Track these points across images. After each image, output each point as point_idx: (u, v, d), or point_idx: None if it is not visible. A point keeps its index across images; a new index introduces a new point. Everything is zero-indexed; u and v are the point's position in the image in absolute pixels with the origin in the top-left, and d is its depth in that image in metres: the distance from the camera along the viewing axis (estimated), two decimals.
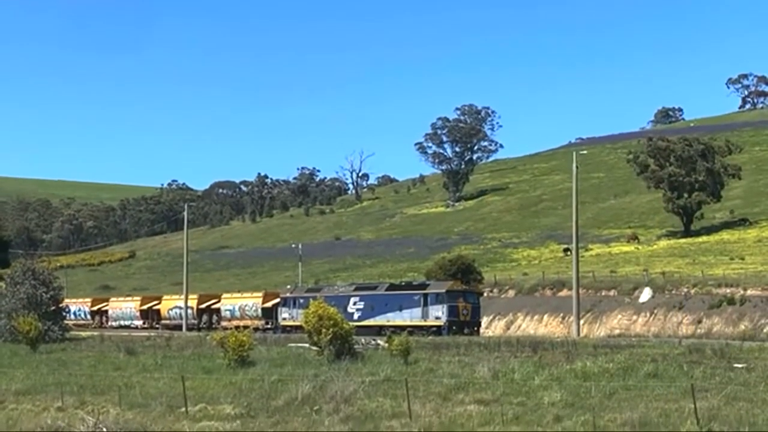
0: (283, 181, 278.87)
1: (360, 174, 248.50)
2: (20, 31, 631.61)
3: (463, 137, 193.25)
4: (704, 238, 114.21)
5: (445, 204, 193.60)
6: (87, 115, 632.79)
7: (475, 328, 67.65)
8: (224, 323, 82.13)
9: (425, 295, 67.87)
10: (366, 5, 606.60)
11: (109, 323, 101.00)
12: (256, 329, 71.03)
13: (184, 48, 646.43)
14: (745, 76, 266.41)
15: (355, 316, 68.11)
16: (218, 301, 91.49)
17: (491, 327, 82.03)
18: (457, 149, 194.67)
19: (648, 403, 28.84)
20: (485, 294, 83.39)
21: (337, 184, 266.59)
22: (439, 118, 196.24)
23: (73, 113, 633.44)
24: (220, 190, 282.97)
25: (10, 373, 43.33)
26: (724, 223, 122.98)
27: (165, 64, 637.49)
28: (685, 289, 76.95)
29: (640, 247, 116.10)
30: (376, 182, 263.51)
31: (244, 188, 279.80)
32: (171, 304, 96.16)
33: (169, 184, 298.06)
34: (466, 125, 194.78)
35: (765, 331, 64.42)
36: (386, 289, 72.81)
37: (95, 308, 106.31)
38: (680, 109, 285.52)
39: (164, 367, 44.10)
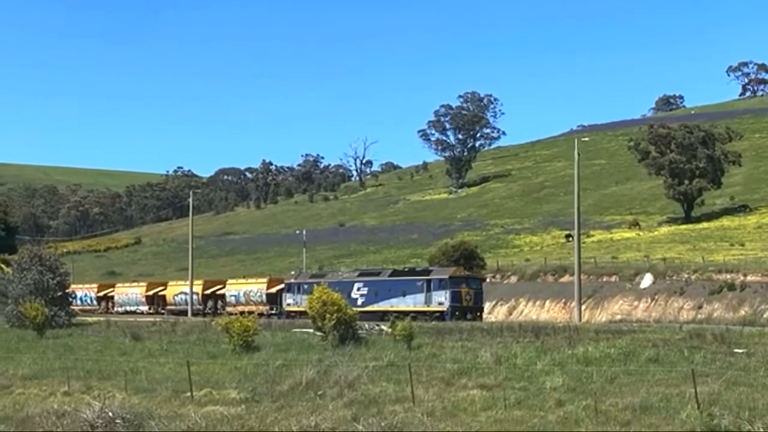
0: (288, 167, 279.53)
1: (364, 161, 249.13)
2: (27, 19, 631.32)
3: (466, 124, 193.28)
4: (705, 225, 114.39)
5: (448, 190, 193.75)
6: (93, 103, 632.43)
7: (478, 314, 67.76)
8: (229, 309, 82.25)
9: (428, 281, 68.04)
10: None
11: (115, 309, 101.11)
12: (261, 315, 71.24)
13: (189, 36, 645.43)
14: (746, 64, 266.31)
15: (359, 302, 68.20)
16: (223, 287, 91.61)
17: (494, 312, 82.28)
18: (460, 136, 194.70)
19: (649, 387, 29.01)
20: (488, 280, 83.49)
21: (341, 170, 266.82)
22: (442, 106, 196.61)
23: (79, 101, 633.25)
24: (225, 177, 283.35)
25: (17, 358, 43.58)
26: (724, 209, 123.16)
27: (171, 53, 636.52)
28: (686, 275, 77.14)
29: (641, 233, 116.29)
30: (379, 169, 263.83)
31: (248, 175, 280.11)
32: (176, 290, 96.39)
33: (175, 171, 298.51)
34: (469, 112, 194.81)
35: (765, 316, 64.55)
36: (390, 275, 72.97)
37: (101, 294, 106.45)
38: (681, 97, 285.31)
39: (170, 353, 44.35)
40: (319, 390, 30.92)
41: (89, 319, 74.79)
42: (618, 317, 72.49)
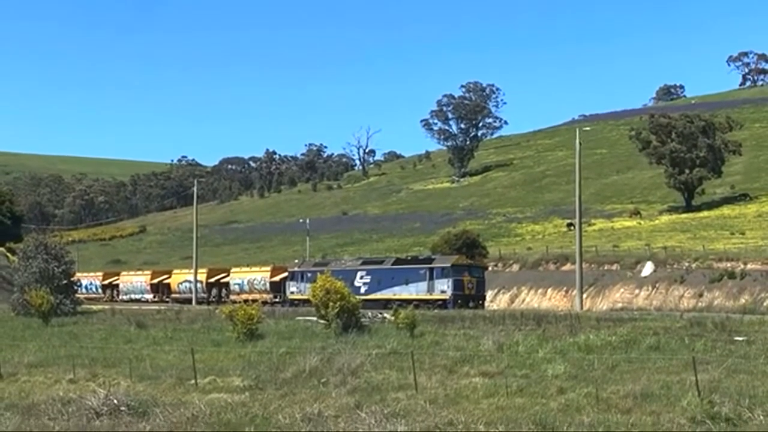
0: (291, 157, 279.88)
1: (367, 150, 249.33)
2: (32, 10, 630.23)
3: (468, 114, 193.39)
4: (705, 213, 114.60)
5: (450, 180, 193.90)
6: (98, 92, 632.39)
7: (480, 302, 68.01)
8: (233, 297, 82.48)
9: (431, 269, 68.23)
10: None
11: (120, 297, 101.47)
12: (265, 303, 71.45)
13: (193, 26, 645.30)
14: (746, 54, 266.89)
15: (362, 290, 68.40)
16: (227, 275, 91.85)
17: (496, 300, 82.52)
18: (463, 126, 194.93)
19: (650, 375, 29.05)
20: (490, 268, 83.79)
21: (344, 160, 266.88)
22: (445, 95, 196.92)
23: (84, 90, 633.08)
24: (229, 166, 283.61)
25: (23, 346, 43.57)
26: (724, 198, 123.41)
27: (175, 43, 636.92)
28: (687, 264, 77.36)
29: (642, 222, 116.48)
30: (382, 158, 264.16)
31: (252, 164, 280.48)
32: (181, 278, 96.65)
33: (179, 160, 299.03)
34: (471, 102, 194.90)
35: (765, 304, 64.70)
36: (392, 264, 73.14)
37: (106, 282, 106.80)
38: (682, 87, 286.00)
39: (174, 340, 44.45)
40: (323, 377, 31.03)
41: (94, 307, 75.02)
42: (619, 305, 72.71)
